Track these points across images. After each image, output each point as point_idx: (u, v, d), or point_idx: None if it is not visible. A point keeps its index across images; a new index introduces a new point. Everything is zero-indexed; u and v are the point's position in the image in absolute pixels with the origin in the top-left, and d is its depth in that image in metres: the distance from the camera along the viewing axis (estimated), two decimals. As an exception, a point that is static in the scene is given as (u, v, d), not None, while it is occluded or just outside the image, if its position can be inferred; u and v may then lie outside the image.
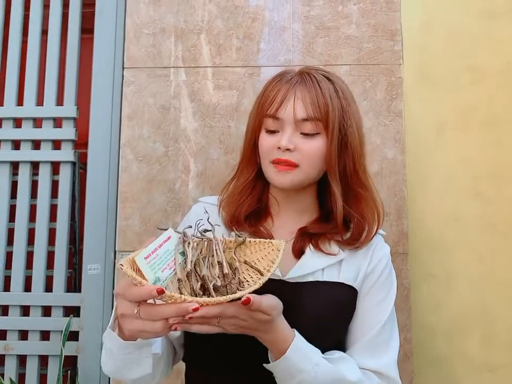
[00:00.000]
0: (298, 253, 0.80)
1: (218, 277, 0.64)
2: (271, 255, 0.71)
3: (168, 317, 0.56)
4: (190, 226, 0.70)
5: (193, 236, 0.68)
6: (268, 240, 0.73)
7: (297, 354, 0.67)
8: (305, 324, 0.71)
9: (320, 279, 0.77)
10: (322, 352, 0.72)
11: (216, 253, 0.67)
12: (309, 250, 0.79)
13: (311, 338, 0.70)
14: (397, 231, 1.23)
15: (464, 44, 1.31)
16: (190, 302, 0.55)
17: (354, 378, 0.71)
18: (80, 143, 1.38)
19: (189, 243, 0.66)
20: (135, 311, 0.57)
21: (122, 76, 1.33)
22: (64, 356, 1.19)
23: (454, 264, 1.24)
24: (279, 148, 0.75)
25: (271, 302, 0.63)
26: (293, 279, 0.76)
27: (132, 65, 1.32)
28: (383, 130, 1.26)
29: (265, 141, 0.78)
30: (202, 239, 0.69)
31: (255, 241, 0.74)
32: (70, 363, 1.30)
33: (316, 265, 0.77)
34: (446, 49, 1.31)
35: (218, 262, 0.66)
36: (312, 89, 0.75)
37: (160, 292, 0.54)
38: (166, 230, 0.67)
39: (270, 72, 1.26)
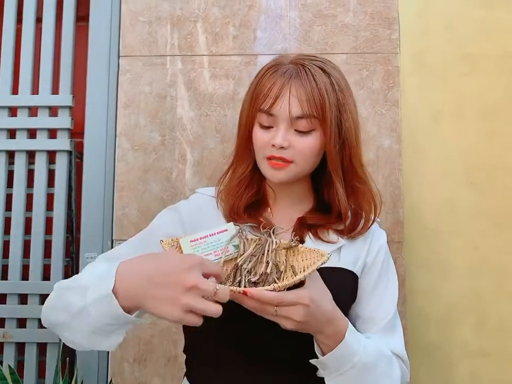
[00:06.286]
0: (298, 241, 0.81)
1: (261, 274, 0.68)
2: (316, 265, 0.70)
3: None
4: (251, 225, 0.76)
5: (250, 233, 0.74)
6: (316, 249, 0.72)
7: (352, 337, 0.69)
8: None
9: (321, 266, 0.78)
10: None
11: (267, 253, 0.70)
12: (309, 239, 0.80)
13: None
14: (393, 219, 1.23)
15: (461, 33, 1.30)
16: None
17: (388, 352, 0.75)
18: (76, 132, 1.37)
19: (246, 238, 0.72)
20: (214, 288, 0.56)
21: (118, 64, 1.32)
22: (63, 343, 1.20)
23: (449, 253, 1.26)
24: (273, 145, 0.75)
25: (298, 292, 0.64)
26: None
27: (127, 53, 1.31)
28: (379, 119, 1.27)
29: (259, 136, 0.78)
30: (259, 238, 0.73)
31: (306, 248, 0.74)
32: (69, 350, 1.31)
33: None
34: (443, 38, 1.30)
35: (266, 261, 0.69)
36: (307, 85, 0.74)
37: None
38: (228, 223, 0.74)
39: (266, 60, 1.21)
